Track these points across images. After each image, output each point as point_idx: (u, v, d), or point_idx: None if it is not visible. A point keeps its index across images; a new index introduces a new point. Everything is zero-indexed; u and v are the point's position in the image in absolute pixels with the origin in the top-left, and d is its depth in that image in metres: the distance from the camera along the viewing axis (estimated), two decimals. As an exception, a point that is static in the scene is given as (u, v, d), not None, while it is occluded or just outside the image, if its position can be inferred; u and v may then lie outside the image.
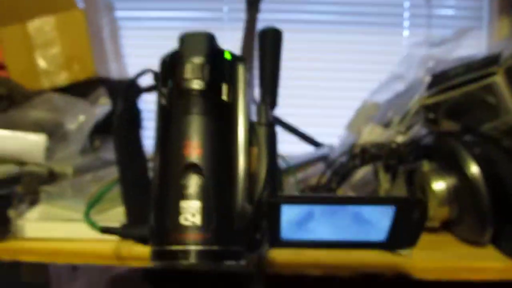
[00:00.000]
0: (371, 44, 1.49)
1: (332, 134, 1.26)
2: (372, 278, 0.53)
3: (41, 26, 1.16)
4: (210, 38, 0.40)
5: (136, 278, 1.09)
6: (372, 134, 0.86)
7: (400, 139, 0.82)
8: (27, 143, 0.79)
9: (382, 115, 0.91)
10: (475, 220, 0.55)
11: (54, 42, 1.16)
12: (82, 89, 1.11)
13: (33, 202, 0.66)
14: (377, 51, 1.49)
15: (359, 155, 0.70)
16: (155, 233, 0.37)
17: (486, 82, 0.58)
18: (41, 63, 1.16)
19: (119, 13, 1.42)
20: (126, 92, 0.44)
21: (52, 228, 0.59)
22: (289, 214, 0.38)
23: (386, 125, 0.88)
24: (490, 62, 0.59)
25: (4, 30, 1.17)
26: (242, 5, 1.32)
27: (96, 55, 1.19)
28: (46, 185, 0.70)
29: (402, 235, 0.39)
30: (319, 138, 1.22)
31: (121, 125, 0.43)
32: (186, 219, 0.35)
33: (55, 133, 0.85)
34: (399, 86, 0.99)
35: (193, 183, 0.36)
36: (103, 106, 0.99)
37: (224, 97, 0.39)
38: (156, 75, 0.42)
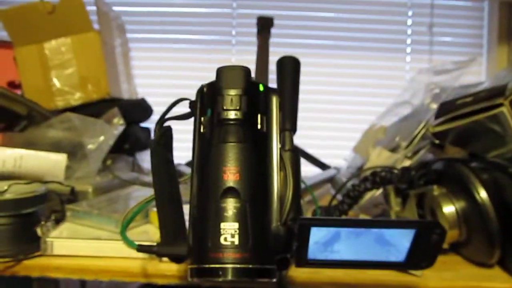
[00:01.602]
0: (375, 69, 1.54)
1: (336, 155, 1.30)
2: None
3: (57, 46, 1.20)
4: (246, 72, 0.43)
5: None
6: (380, 158, 0.90)
7: (407, 163, 0.85)
8: (49, 162, 0.82)
9: (390, 139, 0.94)
10: (484, 242, 0.58)
11: (69, 63, 1.20)
12: (95, 109, 1.15)
13: (59, 220, 0.69)
14: (380, 76, 1.54)
15: (370, 178, 0.74)
16: (194, 252, 0.40)
17: (493, 113, 0.62)
18: (56, 83, 1.19)
19: (129, 35, 1.46)
20: (162, 118, 0.47)
21: (80, 246, 0.62)
22: (317, 235, 0.41)
23: (393, 149, 0.92)
24: (496, 93, 0.63)
25: (20, 50, 1.21)
26: (250, 29, 1.37)
27: (109, 75, 1.22)
28: (69, 203, 0.73)
29: (420, 256, 0.42)
30: (323, 160, 1.26)
31: (158, 149, 0.46)
32: (225, 239, 0.38)
33: (74, 152, 0.88)
34: (405, 111, 1.03)
35: (232, 206, 0.39)
36: (118, 126, 1.02)
37: (260, 126, 0.43)
38: (193, 104, 0.46)
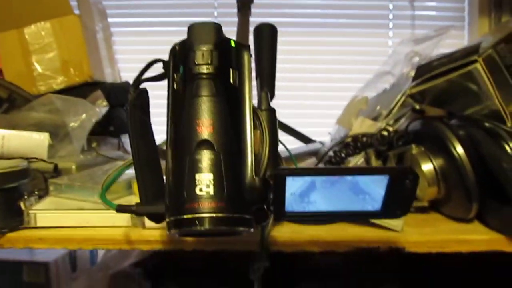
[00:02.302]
0: (359, 45, 1.54)
1: (323, 132, 1.31)
2: (368, 252, 0.56)
3: (37, 31, 1.19)
4: (217, 28, 0.43)
5: (135, 275, 1.11)
6: (362, 126, 0.91)
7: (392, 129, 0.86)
8: (31, 141, 0.82)
9: (371, 109, 0.95)
10: (462, 197, 0.59)
11: (50, 47, 1.19)
12: (78, 92, 1.14)
13: (42, 195, 0.69)
14: (365, 52, 1.54)
15: (351, 144, 0.74)
16: (172, 205, 0.40)
17: (467, 70, 0.62)
18: (38, 67, 1.19)
19: (111, 19, 1.45)
20: (137, 80, 0.48)
21: (62, 217, 0.62)
22: (293, 186, 0.42)
23: (375, 118, 0.92)
24: (470, 52, 0.64)
25: (0, 36, 1.20)
26: (231, 10, 1.37)
27: (91, 59, 1.22)
28: (53, 179, 0.73)
29: (395, 204, 0.43)
30: (311, 136, 1.27)
31: (134, 110, 0.47)
32: (200, 190, 0.39)
33: (57, 132, 0.88)
34: (387, 82, 1.04)
35: (206, 157, 0.40)
36: (102, 107, 1.02)
37: (232, 81, 0.43)
38: (166, 64, 0.46)
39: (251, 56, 0.46)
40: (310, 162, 1.05)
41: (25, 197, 0.65)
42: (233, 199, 0.39)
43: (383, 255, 0.57)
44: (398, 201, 0.43)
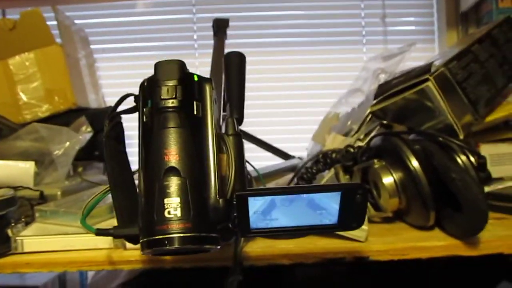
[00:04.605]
0: (334, 62, 1.60)
1: (302, 148, 1.35)
2: (335, 262, 0.61)
3: (22, 62, 1.23)
4: (180, 64, 0.48)
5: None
6: (334, 142, 0.95)
7: (359, 144, 0.91)
8: (18, 170, 0.86)
9: (343, 125, 1.00)
10: (420, 206, 0.64)
11: (34, 77, 1.23)
12: (63, 119, 1.18)
13: (29, 221, 0.73)
14: (340, 68, 1.60)
15: (321, 160, 0.79)
16: (144, 227, 0.44)
17: (420, 87, 0.68)
18: (23, 96, 1.22)
19: (93, 46, 1.49)
20: (112, 113, 0.52)
21: (48, 242, 0.65)
22: (255, 205, 0.46)
23: (347, 133, 0.97)
24: (423, 71, 0.69)
25: (-15, 68, 1.23)
26: (210, 33, 1.42)
27: (75, 86, 1.26)
28: (39, 206, 0.76)
29: (350, 217, 0.48)
30: (291, 152, 1.31)
31: (109, 141, 0.51)
32: (169, 213, 0.43)
33: (42, 160, 0.91)
34: (358, 99, 1.09)
35: (173, 183, 0.44)
36: (85, 133, 1.06)
37: (195, 112, 0.47)
38: (136, 98, 0.50)
39: (213, 88, 0.50)
40: (287, 178, 1.10)
41: (12, 224, 0.68)
42: (199, 220, 0.43)
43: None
44: (352, 214, 0.47)
